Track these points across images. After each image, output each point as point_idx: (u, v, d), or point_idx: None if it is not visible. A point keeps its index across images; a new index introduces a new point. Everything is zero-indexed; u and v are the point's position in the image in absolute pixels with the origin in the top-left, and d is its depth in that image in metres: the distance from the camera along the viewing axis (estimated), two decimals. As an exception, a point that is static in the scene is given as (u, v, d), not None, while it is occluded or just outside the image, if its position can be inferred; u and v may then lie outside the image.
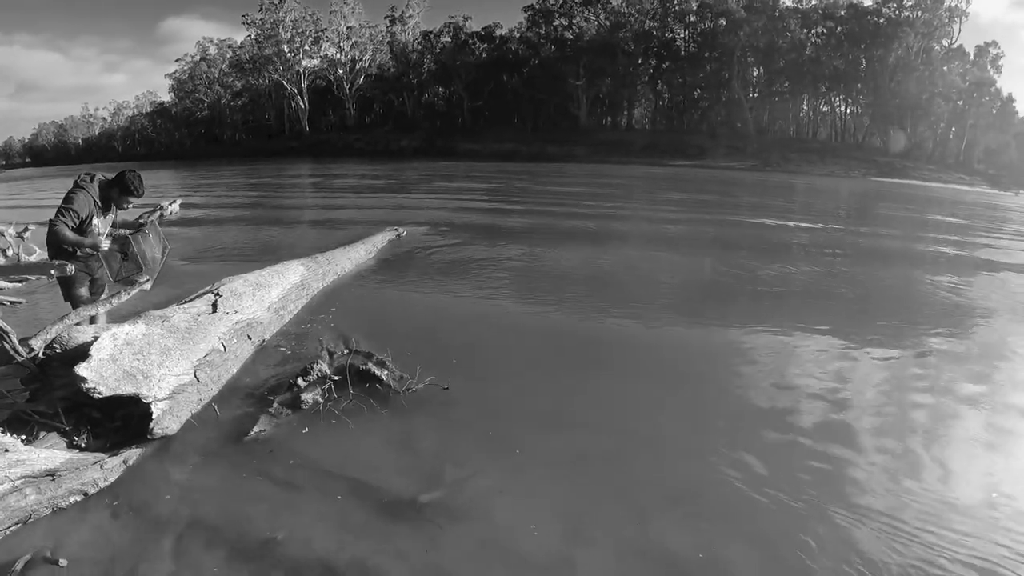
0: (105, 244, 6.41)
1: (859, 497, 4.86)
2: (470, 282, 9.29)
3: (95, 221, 6.41)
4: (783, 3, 77.26)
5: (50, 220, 6.21)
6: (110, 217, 6.69)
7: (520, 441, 5.49)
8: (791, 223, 17.55)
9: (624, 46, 79.31)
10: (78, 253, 6.37)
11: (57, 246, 6.30)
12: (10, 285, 6.42)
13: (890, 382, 6.81)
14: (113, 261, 6.70)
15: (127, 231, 6.77)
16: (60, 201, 6.29)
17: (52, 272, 5.95)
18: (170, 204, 7.91)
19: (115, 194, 6.56)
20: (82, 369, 5.01)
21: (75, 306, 6.39)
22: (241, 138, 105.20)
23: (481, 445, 5.41)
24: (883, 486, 4.99)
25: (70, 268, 5.96)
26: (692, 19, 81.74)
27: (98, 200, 6.43)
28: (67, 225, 6.19)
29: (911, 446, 5.59)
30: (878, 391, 6.59)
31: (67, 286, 6.47)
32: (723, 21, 77.17)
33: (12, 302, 6.28)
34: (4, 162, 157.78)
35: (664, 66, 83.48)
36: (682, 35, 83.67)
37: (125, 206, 6.65)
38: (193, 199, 8.78)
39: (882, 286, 10.99)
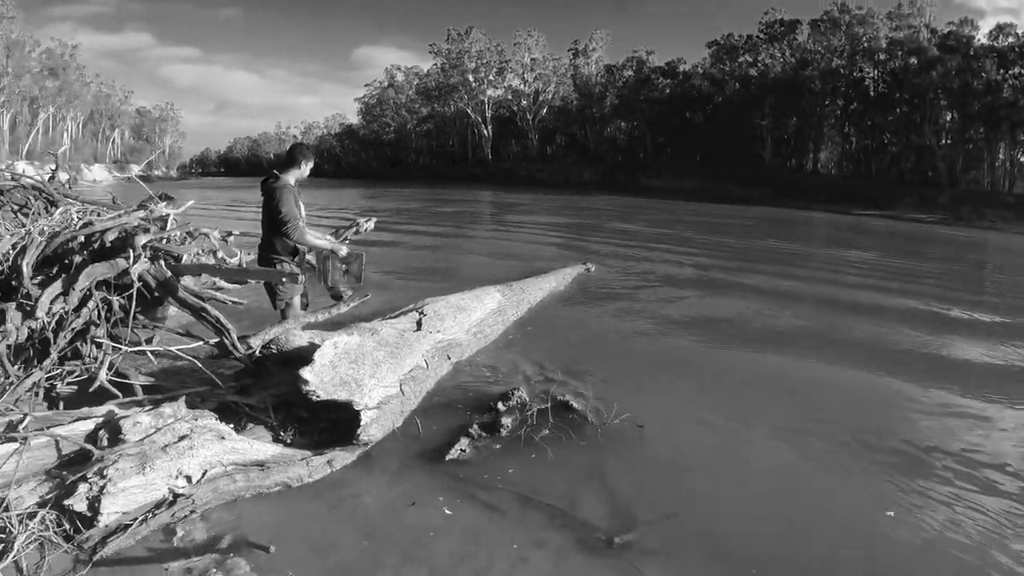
0: (344, 250, 6.52)
1: None
2: (658, 322, 8.83)
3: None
4: (978, 41, 68.62)
5: (285, 227, 6.38)
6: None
7: (713, 487, 5.15)
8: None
9: (811, 85, 73.28)
10: (300, 261, 6.50)
11: (291, 252, 6.47)
12: (230, 286, 6.62)
13: None
14: (335, 269, 6.78)
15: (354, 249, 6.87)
16: (274, 208, 6.43)
17: (283, 280, 6.06)
18: (366, 221, 8.05)
19: (301, 165, 6.83)
20: (306, 372, 5.04)
21: (284, 314, 6.50)
22: (425, 162, 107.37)
23: (673, 487, 5.10)
24: None
25: (302, 278, 6.06)
26: (881, 57, 73.51)
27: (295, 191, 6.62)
28: (302, 228, 6.38)
29: None
30: None
31: (282, 298, 6.59)
32: (914, 60, 68.98)
33: (233, 302, 6.47)
34: (201, 170, 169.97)
35: (852, 107, 75.21)
36: (871, 74, 75.09)
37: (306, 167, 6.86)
38: (381, 218, 8.80)
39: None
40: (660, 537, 4.41)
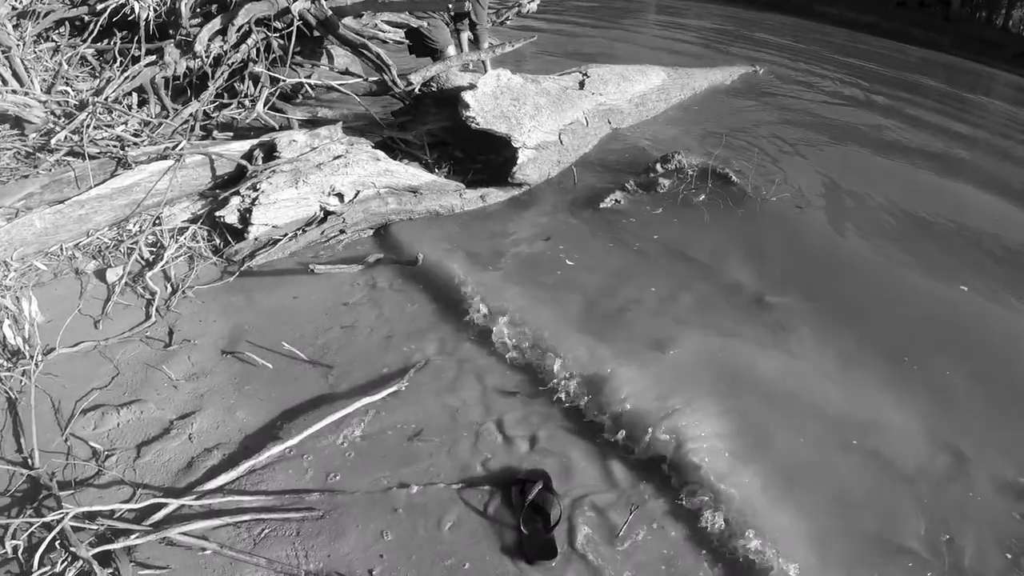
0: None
1: None
2: (819, 131, 7.46)
3: None
4: None
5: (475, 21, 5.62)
6: None
7: (866, 276, 4.28)
8: None
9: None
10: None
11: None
12: (393, 30, 5.89)
13: None
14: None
15: None
16: None
17: (450, 6, 5.24)
18: (529, 2, 7.11)
19: None
20: (467, 96, 4.38)
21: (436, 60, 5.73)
22: None
23: (827, 270, 4.28)
24: None
25: (468, 5, 5.19)
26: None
27: None
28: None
29: None
30: None
31: (433, 48, 5.74)
32: None
33: (396, 41, 5.95)
34: None
35: (1057, -40, 66.03)
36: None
37: None
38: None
39: None
40: (810, 308, 3.75)
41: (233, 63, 5.10)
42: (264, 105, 4.81)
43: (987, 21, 26.11)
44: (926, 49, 18.45)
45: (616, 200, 4.76)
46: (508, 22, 7.40)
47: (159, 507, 2.28)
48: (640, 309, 3.59)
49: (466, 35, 5.71)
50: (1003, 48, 20.55)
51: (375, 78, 5.04)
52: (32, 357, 2.90)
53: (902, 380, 3.22)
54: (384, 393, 2.75)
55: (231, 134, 4.74)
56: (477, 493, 2.44)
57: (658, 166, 5.17)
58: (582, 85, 5.70)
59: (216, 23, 5.07)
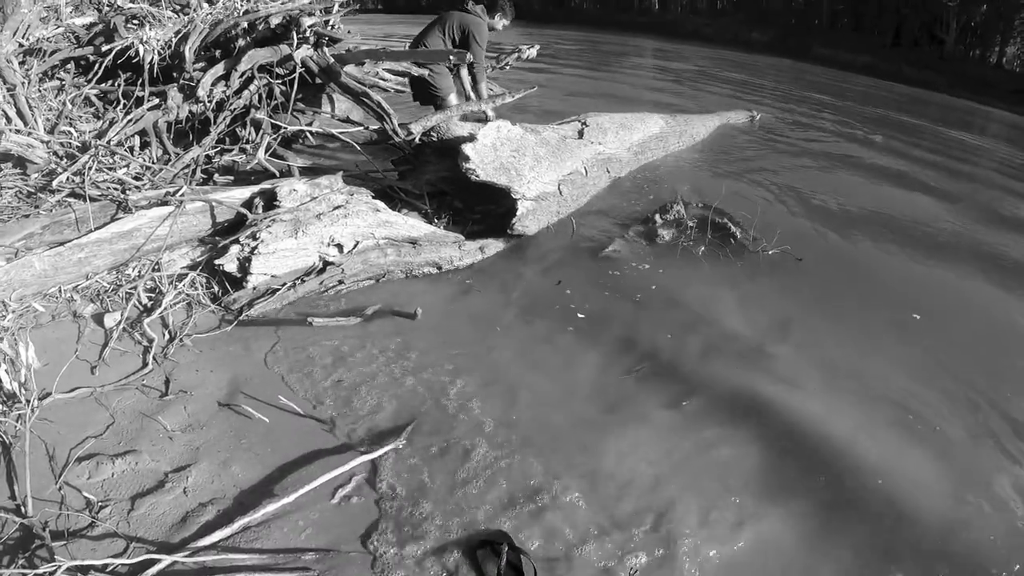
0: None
1: None
2: (820, 188, 7.50)
3: None
4: None
5: (473, 64, 5.69)
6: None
7: (864, 326, 4.29)
8: None
9: (1006, -35, 63.51)
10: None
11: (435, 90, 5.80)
12: (393, 77, 5.95)
13: None
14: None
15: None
16: (464, 38, 5.69)
17: (451, 58, 5.35)
18: (528, 48, 7.22)
19: (496, 17, 5.90)
20: (467, 148, 4.45)
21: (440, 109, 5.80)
22: (588, 6, 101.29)
23: (824, 319, 4.30)
24: None
25: (469, 56, 5.30)
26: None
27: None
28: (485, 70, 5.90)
29: None
30: None
31: (436, 95, 5.83)
32: None
33: (396, 90, 6.04)
34: (359, 6, 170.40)
35: (1047, -2, 65.75)
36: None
37: (499, 21, 5.95)
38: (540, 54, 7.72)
39: None
40: (807, 360, 3.79)
41: (235, 108, 5.19)
42: (265, 152, 4.87)
43: (981, 59, 26.40)
44: (921, 88, 18.69)
45: (616, 250, 4.81)
46: (508, 68, 7.51)
47: (152, 563, 2.26)
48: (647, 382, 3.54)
49: (466, 77, 5.79)
50: (997, 86, 20.74)
51: (376, 126, 5.12)
52: (28, 402, 2.90)
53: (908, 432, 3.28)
54: (382, 451, 2.76)
55: (232, 177, 4.81)
56: (473, 558, 2.44)
57: (657, 216, 5.25)
58: (581, 134, 5.80)
59: (219, 68, 5.17)
